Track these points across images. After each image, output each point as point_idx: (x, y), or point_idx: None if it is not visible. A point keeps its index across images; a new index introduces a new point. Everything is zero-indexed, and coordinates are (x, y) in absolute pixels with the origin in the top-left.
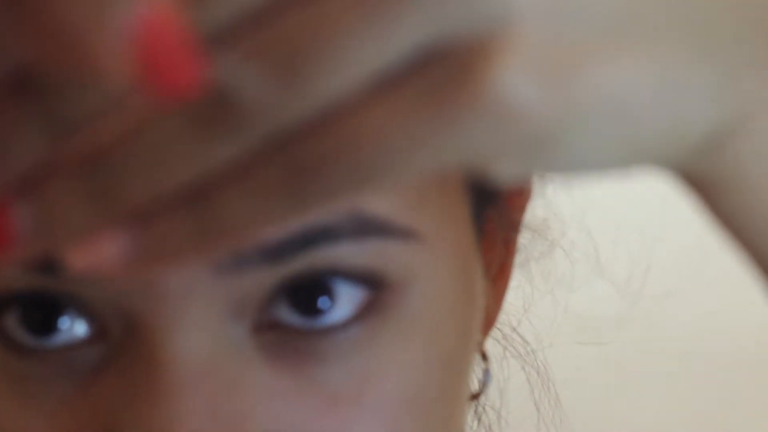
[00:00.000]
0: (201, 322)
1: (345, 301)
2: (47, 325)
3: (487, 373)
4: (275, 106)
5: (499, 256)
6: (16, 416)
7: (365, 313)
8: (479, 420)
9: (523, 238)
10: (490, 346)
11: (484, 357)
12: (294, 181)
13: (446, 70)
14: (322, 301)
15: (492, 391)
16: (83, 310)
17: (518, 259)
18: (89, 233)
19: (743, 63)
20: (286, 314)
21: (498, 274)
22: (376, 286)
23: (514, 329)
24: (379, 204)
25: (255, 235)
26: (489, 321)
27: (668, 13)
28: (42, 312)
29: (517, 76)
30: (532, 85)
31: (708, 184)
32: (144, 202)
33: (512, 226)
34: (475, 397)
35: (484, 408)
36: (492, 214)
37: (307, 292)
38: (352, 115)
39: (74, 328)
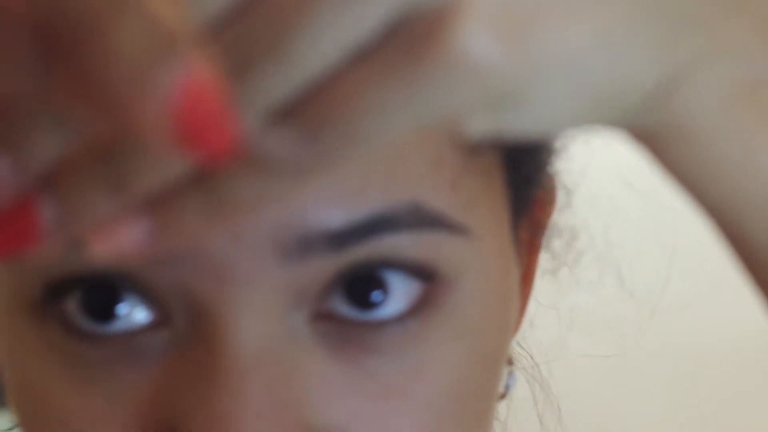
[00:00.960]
0: (264, 308)
1: (399, 295)
2: (106, 312)
3: (511, 375)
4: (267, 84)
5: (524, 261)
6: (76, 400)
7: (418, 307)
8: None
9: (554, 246)
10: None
11: (510, 361)
12: (290, 151)
13: (414, 35)
14: (376, 295)
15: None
16: (146, 295)
17: (549, 265)
18: (110, 219)
19: (682, 20)
20: (341, 306)
21: (523, 279)
22: (429, 279)
23: (518, 344)
24: (435, 199)
25: (262, 211)
26: (515, 326)
27: None
28: (101, 298)
29: (478, 35)
30: (491, 42)
31: (658, 138)
32: (155, 186)
33: (537, 232)
34: (502, 397)
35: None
36: (523, 221)
37: (362, 285)
38: (337, 83)
39: (133, 314)
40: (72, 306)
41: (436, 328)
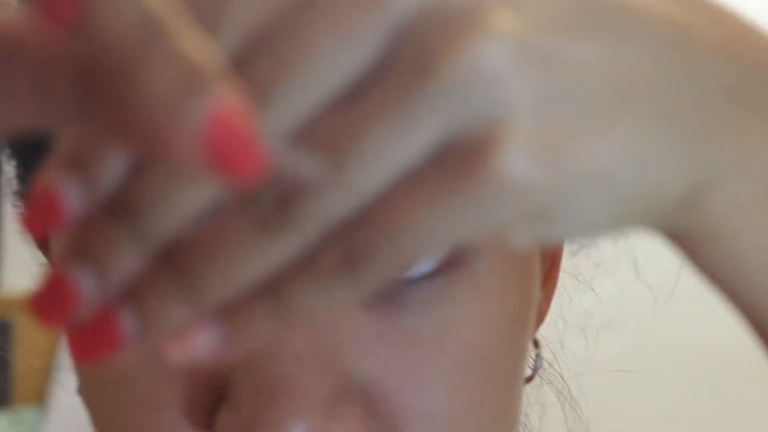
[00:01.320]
0: None
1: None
2: None
3: (539, 358)
4: (326, 205)
5: (547, 257)
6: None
7: (446, 267)
8: None
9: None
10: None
11: (536, 344)
12: (348, 267)
13: (458, 159)
14: None
15: (532, 417)
16: None
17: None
18: (185, 328)
19: (709, 127)
20: None
21: (546, 277)
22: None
23: (550, 365)
24: None
25: (322, 312)
26: (540, 317)
27: (639, 91)
28: None
29: (516, 158)
30: (528, 164)
31: (689, 238)
32: (227, 296)
33: None
34: (529, 379)
35: None
36: None
37: None
38: (389, 204)
39: None
40: None
41: (461, 286)
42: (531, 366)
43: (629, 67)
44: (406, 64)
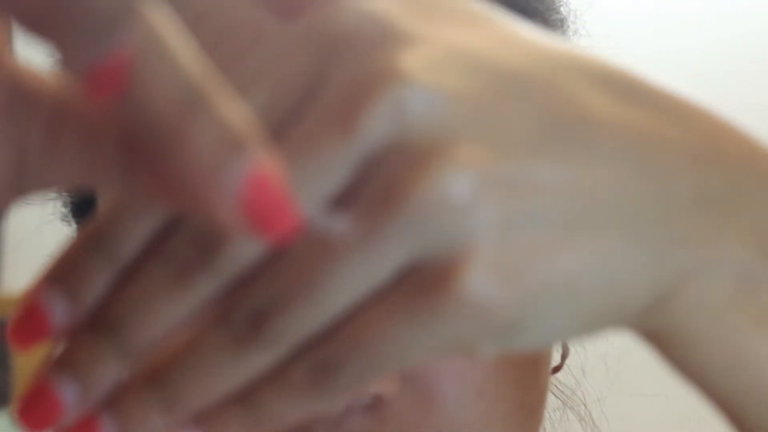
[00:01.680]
0: None
1: None
2: None
3: (566, 348)
4: (297, 321)
5: None
6: None
7: None
8: None
9: None
10: (550, 399)
11: None
12: (318, 379)
13: (424, 282)
14: None
15: None
16: None
17: None
18: None
19: (675, 235)
20: None
21: None
22: None
23: (573, 391)
24: None
25: (295, 419)
26: None
27: (604, 207)
28: None
29: (480, 281)
30: (492, 286)
31: (660, 338)
32: (202, 405)
33: None
34: (556, 370)
35: None
36: None
37: None
38: (358, 320)
39: None
40: None
41: None
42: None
43: (594, 184)
44: (373, 194)
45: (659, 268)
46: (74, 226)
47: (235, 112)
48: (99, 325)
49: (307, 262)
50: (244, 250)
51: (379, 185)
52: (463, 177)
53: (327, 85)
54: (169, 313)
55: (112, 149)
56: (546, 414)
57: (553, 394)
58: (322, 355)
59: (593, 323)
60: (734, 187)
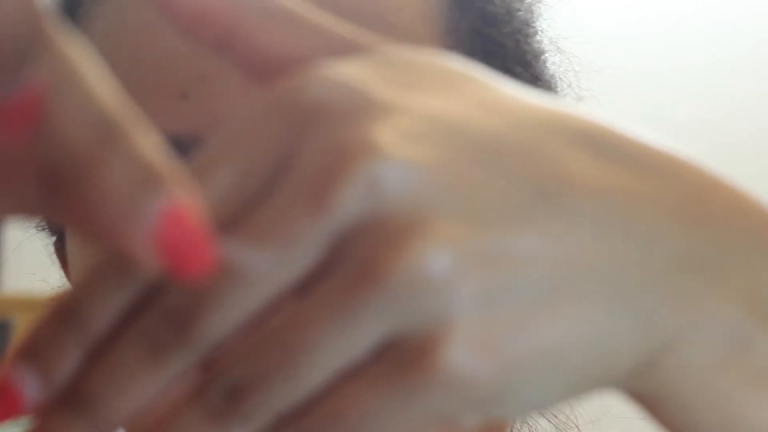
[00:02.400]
0: None
1: None
2: None
3: None
4: (274, 396)
5: None
6: None
7: None
8: None
9: None
10: (544, 422)
11: None
12: None
13: (403, 357)
14: None
15: None
16: None
17: None
18: None
19: (659, 301)
20: None
21: None
22: None
23: (566, 416)
24: None
25: None
26: None
27: (586, 274)
28: None
29: (460, 355)
30: (472, 360)
31: (647, 400)
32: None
33: None
34: None
35: None
36: None
37: None
38: (336, 394)
39: None
40: None
41: None
42: None
43: (575, 250)
44: (350, 270)
45: (645, 332)
46: (53, 236)
47: (151, 147)
48: (72, 400)
49: (284, 338)
50: (218, 327)
51: (356, 262)
52: (441, 253)
53: (298, 158)
54: (142, 389)
55: (32, 183)
56: None
57: (546, 419)
58: (302, 428)
59: (578, 389)
60: (721, 246)
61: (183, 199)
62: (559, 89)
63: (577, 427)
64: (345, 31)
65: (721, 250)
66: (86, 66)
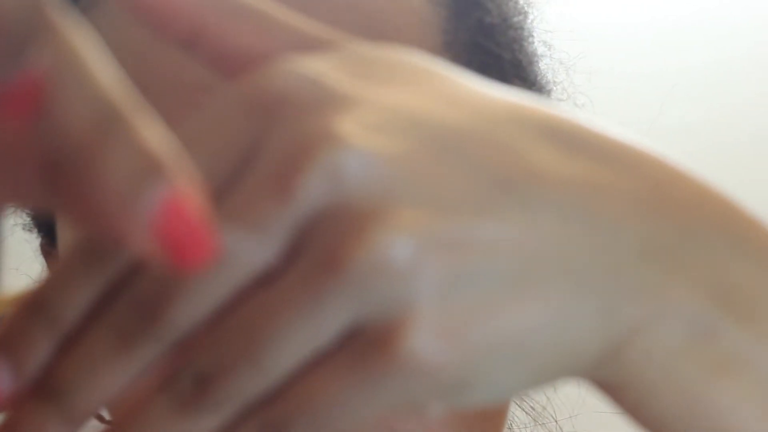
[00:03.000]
0: None
1: None
2: None
3: None
4: (241, 385)
5: None
6: None
7: None
8: None
9: None
10: (522, 415)
11: None
12: None
13: (368, 344)
14: None
15: None
16: None
17: None
18: None
19: (623, 290)
20: None
21: None
22: None
23: (544, 407)
24: None
25: None
26: None
27: (549, 262)
28: None
29: (423, 342)
30: (435, 346)
31: (613, 388)
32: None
33: None
34: None
35: None
36: None
37: None
38: (303, 381)
39: None
40: None
41: None
42: None
43: (539, 239)
44: (313, 258)
45: (609, 320)
46: (37, 234)
47: (154, 137)
48: (44, 391)
49: (250, 327)
50: (186, 316)
51: (319, 250)
52: (403, 240)
53: (263, 150)
54: (113, 379)
55: (34, 171)
56: (516, 431)
57: (523, 411)
58: (271, 415)
59: (544, 377)
60: (684, 236)
61: (183, 189)
62: (552, 90)
63: (556, 420)
64: (311, 27)
65: (683, 239)
66: (89, 52)
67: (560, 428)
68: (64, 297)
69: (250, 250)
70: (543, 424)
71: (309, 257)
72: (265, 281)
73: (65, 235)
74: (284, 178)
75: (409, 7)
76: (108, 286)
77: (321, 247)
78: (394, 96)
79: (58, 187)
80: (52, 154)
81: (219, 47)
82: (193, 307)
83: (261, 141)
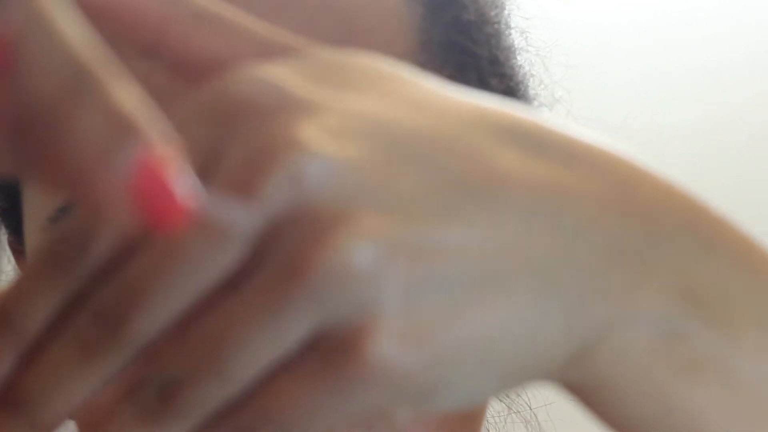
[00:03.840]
0: None
1: None
2: None
3: None
4: (206, 394)
5: None
6: None
7: None
8: None
9: None
10: (496, 402)
11: None
12: None
13: (332, 351)
14: None
15: None
16: None
17: None
18: None
19: (590, 293)
20: None
21: None
22: None
23: (518, 394)
24: None
25: None
26: None
27: (515, 266)
28: None
29: (386, 348)
30: (399, 353)
31: (582, 389)
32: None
33: None
34: None
35: None
36: None
37: None
38: (268, 388)
39: None
40: None
41: None
42: None
43: (503, 242)
44: (276, 264)
45: (575, 323)
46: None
47: (126, 96)
48: (9, 401)
49: (213, 335)
50: (149, 324)
51: (282, 256)
52: (365, 246)
53: (226, 156)
54: (77, 389)
55: (4, 134)
56: (489, 419)
57: (498, 398)
58: (236, 422)
59: (511, 381)
60: (651, 238)
61: (158, 150)
62: (531, 87)
63: (530, 407)
64: (274, 34)
65: (650, 241)
66: (59, 12)
67: (535, 416)
68: (27, 308)
69: (212, 255)
70: (518, 411)
71: (272, 263)
72: (229, 288)
73: (31, 226)
74: (247, 184)
75: (384, 7)
76: (72, 296)
77: (284, 253)
78: (357, 101)
79: (30, 150)
80: (24, 115)
81: (182, 54)
82: (156, 315)
83: (224, 147)
